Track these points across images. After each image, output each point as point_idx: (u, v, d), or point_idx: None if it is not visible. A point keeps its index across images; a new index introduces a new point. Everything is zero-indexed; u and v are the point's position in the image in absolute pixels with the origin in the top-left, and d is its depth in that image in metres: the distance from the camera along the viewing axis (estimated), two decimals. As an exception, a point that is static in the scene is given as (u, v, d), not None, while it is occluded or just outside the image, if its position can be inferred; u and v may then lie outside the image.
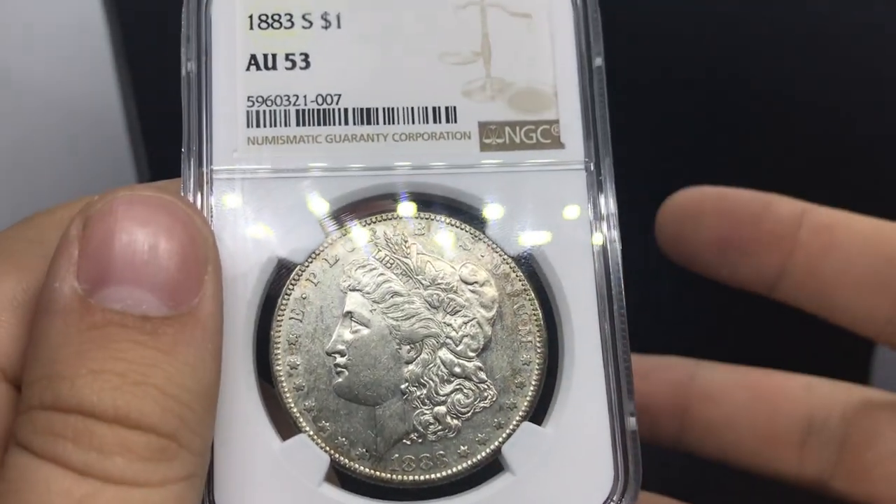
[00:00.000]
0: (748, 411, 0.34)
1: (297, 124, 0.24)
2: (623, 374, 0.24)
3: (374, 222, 0.24)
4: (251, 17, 0.25)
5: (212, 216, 0.23)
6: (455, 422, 0.23)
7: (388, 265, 0.24)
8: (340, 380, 0.23)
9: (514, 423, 0.24)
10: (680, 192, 0.33)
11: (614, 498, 0.23)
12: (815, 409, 0.33)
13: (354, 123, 0.24)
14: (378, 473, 0.23)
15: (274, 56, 0.25)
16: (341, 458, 0.23)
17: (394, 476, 0.23)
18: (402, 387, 0.23)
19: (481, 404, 0.24)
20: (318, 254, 0.24)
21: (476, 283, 0.24)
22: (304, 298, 0.24)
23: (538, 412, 0.24)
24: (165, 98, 0.40)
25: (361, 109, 0.25)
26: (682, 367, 0.35)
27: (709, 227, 0.32)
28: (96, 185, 0.48)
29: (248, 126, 0.24)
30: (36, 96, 0.49)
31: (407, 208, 0.25)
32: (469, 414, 0.24)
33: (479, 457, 0.23)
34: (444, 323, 0.24)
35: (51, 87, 0.49)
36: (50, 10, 0.48)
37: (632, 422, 0.23)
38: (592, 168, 0.25)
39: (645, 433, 0.34)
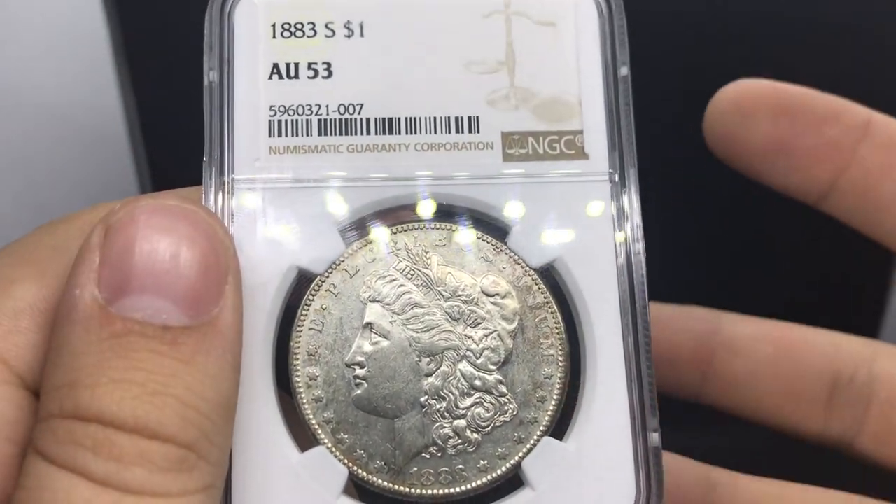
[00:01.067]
0: (773, 366, 0.33)
1: (319, 134, 0.25)
2: (646, 389, 0.24)
3: (395, 233, 0.25)
4: (274, 25, 0.25)
5: (232, 225, 0.24)
6: (475, 436, 0.24)
7: (409, 276, 0.24)
8: (359, 392, 0.24)
9: (535, 437, 0.24)
10: (734, 84, 0.31)
11: (636, 515, 0.23)
12: (842, 365, 0.32)
13: (376, 133, 0.25)
14: (396, 487, 0.23)
15: (296, 65, 0.25)
16: (360, 471, 0.23)
17: (412, 490, 0.23)
18: (422, 399, 0.24)
19: (502, 418, 0.24)
20: (339, 264, 0.24)
21: (497, 294, 0.24)
22: (323, 309, 0.24)
23: (559, 427, 0.24)
24: (166, 97, 0.41)
25: (383, 119, 0.25)
26: (705, 317, 0.34)
27: (763, 127, 0.30)
28: (95, 184, 0.49)
29: (269, 135, 0.24)
30: (35, 99, 0.49)
31: (428, 219, 0.25)
32: (489, 428, 0.24)
33: (498, 472, 0.24)
34: (465, 335, 0.24)
35: (50, 90, 0.49)
36: (50, 12, 0.49)
37: (654, 437, 0.23)
38: (617, 179, 0.25)
39: (666, 384, 0.33)
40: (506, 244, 0.25)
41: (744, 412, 0.34)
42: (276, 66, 0.25)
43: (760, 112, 0.30)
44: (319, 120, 0.25)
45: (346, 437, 0.23)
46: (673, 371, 0.34)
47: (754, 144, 0.30)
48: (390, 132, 0.25)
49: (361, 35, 0.25)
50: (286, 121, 0.25)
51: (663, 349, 0.34)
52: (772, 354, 0.33)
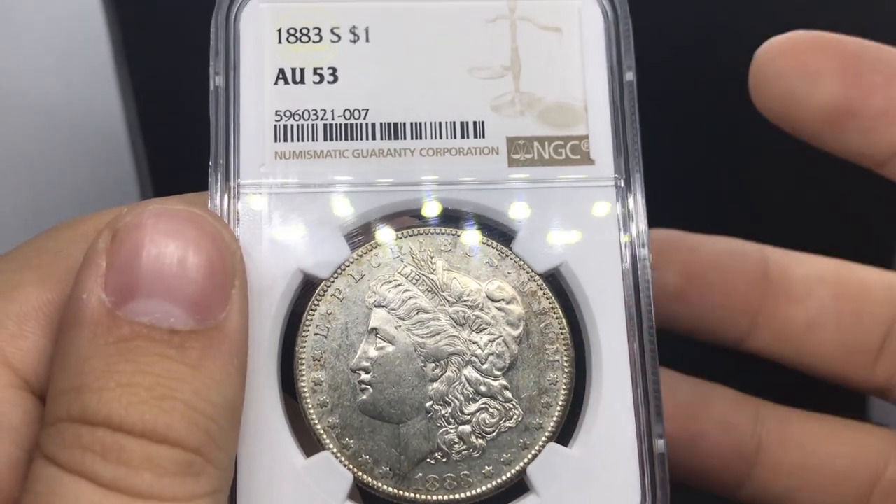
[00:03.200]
0: (833, 312, 0.31)
1: (325, 139, 0.25)
2: (652, 395, 0.24)
3: (401, 238, 0.25)
4: (280, 31, 0.26)
5: (238, 230, 0.24)
6: (480, 441, 0.24)
7: (414, 281, 0.25)
8: (365, 397, 0.24)
9: (540, 443, 0.24)
10: (787, 36, 0.27)
11: (641, 522, 0.24)
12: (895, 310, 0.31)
13: (382, 138, 0.25)
14: (401, 493, 0.24)
15: (302, 70, 0.25)
16: (365, 477, 0.24)
17: (417, 496, 0.24)
18: (427, 405, 0.24)
19: (507, 424, 0.24)
20: (344, 269, 0.25)
21: (503, 300, 0.25)
22: (329, 314, 0.24)
23: (565, 433, 0.24)
24: (166, 99, 0.41)
25: (389, 124, 0.25)
26: (753, 253, 0.32)
27: (827, 87, 0.27)
28: (96, 185, 0.49)
29: (275, 140, 0.25)
30: (36, 102, 0.50)
31: (434, 224, 0.25)
32: (494, 434, 0.24)
33: (503, 477, 0.24)
34: (470, 341, 0.24)
35: (50, 90, 0.50)
36: (50, 14, 0.49)
37: (660, 444, 0.24)
38: (622, 184, 0.25)
39: (709, 330, 0.32)
40: (511, 249, 0.25)
41: (791, 360, 0.32)
42: (281, 70, 0.25)
43: (824, 69, 0.27)
44: (325, 125, 0.25)
45: (351, 442, 0.24)
46: (720, 316, 0.32)
47: (816, 106, 0.27)
48: (395, 137, 0.25)
49: (367, 40, 0.26)
50: (292, 126, 0.25)
51: (713, 291, 0.32)
52: (830, 299, 0.32)
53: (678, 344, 0.33)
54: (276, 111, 0.25)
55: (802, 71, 0.27)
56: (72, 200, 0.49)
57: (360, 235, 0.25)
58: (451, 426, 0.24)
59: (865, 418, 0.45)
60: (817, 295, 0.32)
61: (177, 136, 0.42)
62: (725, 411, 0.32)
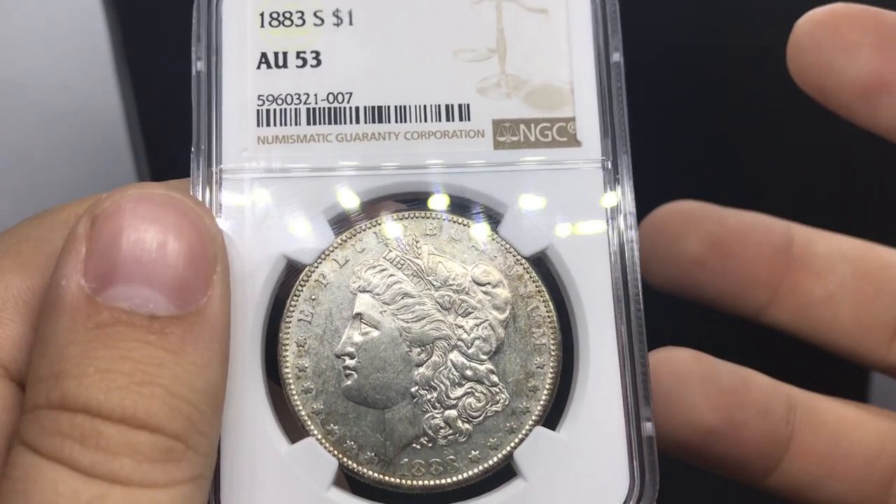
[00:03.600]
0: (851, 289, 0.32)
1: (308, 123, 0.25)
2: (640, 378, 0.24)
3: (385, 222, 0.25)
4: (262, 14, 0.25)
5: (220, 215, 0.24)
6: (466, 426, 0.24)
7: (399, 266, 0.25)
8: (349, 382, 0.24)
9: (527, 427, 0.24)
10: (826, 9, 0.27)
11: (629, 505, 0.23)
12: None
13: (366, 122, 0.25)
14: (387, 478, 0.24)
15: (285, 54, 0.25)
16: (350, 463, 0.24)
17: (403, 481, 0.24)
18: (413, 390, 0.24)
19: (493, 408, 0.24)
20: (328, 254, 0.25)
21: (489, 284, 0.25)
22: (313, 300, 0.24)
23: (552, 417, 0.24)
24: (165, 97, 0.41)
25: (373, 108, 0.25)
26: (778, 228, 0.33)
27: (864, 61, 0.27)
28: (95, 183, 0.49)
29: (258, 125, 0.25)
30: (35, 96, 0.50)
31: (419, 208, 0.25)
32: (481, 418, 0.24)
33: (490, 462, 0.24)
34: (456, 325, 0.24)
35: (50, 87, 0.50)
36: (50, 12, 0.49)
37: (648, 427, 0.24)
38: (609, 166, 0.25)
39: (729, 300, 0.32)
40: (497, 233, 0.25)
41: (808, 335, 0.32)
42: (264, 55, 0.25)
43: (862, 42, 0.27)
44: (308, 109, 0.25)
45: (335, 428, 0.24)
46: (741, 287, 0.32)
47: (852, 79, 0.27)
48: (380, 121, 0.25)
49: (350, 23, 0.26)
50: (274, 110, 0.25)
51: (736, 261, 0.32)
52: (850, 276, 0.32)
53: (683, 326, 0.33)
54: (259, 96, 0.25)
55: (839, 43, 0.27)
56: (71, 198, 0.49)
57: (345, 220, 0.25)
58: (436, 411, 0.24)
59: (866, 399, 0.45)
60: (838, 271, 0.32)
61: (176, 134, 0.41)
62: (764, 398, 0.31)
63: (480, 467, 0.24)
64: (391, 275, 0.25)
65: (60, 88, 0.49)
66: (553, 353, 0.24)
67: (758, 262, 0.32)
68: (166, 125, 0.42)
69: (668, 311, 0.31)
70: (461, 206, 0.25)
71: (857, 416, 0.31)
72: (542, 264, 0.25)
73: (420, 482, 0.24)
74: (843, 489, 0.31)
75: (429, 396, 0.24)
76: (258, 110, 0.25)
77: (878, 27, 0.27)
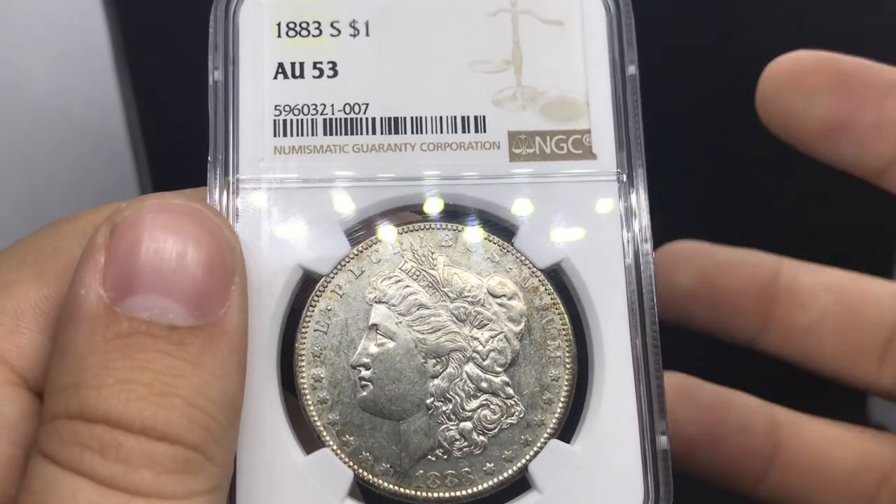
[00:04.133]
0: (834, 318, 0.34)
1: (325, 134, 0.25)
2: (655, 391, 0.24)
3: (401, 233, 0.25)
4: (279, 24, 0.25)
5: (237, 225, 0.24)
6: (481, 438, 0.24)
7: (415, 277, 0.25)
8: (365, 393, 0.24)
9: (542, 440, 0.24)
10: (788, 56, 0.30)
11: (644, 519, 0.23)
12: None
13: (382, 133, 0.25)
14: (402, 490, 0.24)
15: (301, 64, 0.25)
16: (365, 474, 0.24)
17: (418, 493, 0.24)
18: (428, 401, 0.24)
19: (508, 421, 0.24)
20: (344, 265, 0.25)
21: (504, 296, 0.25)
22: (329, 310, 0.24)
23: (567, 430, 0.24)
24: (166, 98, 0.41)
25: (389, 119, 0.25)
26: (767, 263, 0.35)
27: (821, 104, 0.29)
28: (95, 185, 0.49)
29: (274, 135, 0.25)
30: (35, 98, 0.50)
31: (434, 219, 0.25)
32: (496, 430, 0.24)
33: (505, 474, 0.24)
34: (471, 337, 0.24)
35: (50, 89, 0.50)
36: (50, 12, 0.49)
37: (663, 440, 0.24)
38: (625, 179, 0.25)
39: (723, 330, 0.35)
40: (512, 245, 0.25)
41: (798, 361, 0.35)
42: (281, 65, 0.25)
43: (819, 86, 0.29)
44: (325, 119, 0.25)
45: (351, 439, 0.24)
46: (731, 317, 0.35)
47: (812, 120, 0.29)
48: (396, 132, 0.25)
49: (367, 34, 0.26)
50: (291, 120, 0.25)
51: (724, 294, 0.35)
52: (833, 305, 0.34)
53: (697, 344, 0.35)
54: (276, 106, 0.25)
55: (800, 88, 0.29)
56: (71, 200, 0.49)
57: (361, 231, 0.25)
58: (452, 423, 0.24)
59: (866, 417, 0.45)
60: (821, 301, 0.34)
61: (176, 135, 0.42)
62: (744, 416, 0.34)
63: (495, 480, 0.24)
64: (407, 286, 0.25)
65: (60, 90, 0.50)
66: (568, 366, 0.25)
67: (746, 294, 0.35)
68: (167, 127, 0.42)
69: (680, 330, 0.32)
70: (477, 218, 0.25)
71: (839, 435, 0.34)
72: (557, 276, 0.25)
73: (435, 494, 0.24)
74: (829, 501, 0.34)
75: (444, 408, 0.24)
76: (275, 120, 0.25)
77: (835, 72, 0.29)
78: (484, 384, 0.24)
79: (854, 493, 0.33)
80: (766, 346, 0.35)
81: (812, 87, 0.29)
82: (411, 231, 0.25)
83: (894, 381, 0.33)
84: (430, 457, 0.24)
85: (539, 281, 0.25)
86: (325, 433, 0.24)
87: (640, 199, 0.25)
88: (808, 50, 0.29)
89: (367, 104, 0.25)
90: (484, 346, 0.24)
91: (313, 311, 0.24)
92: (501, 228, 0.25)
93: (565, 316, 0.25)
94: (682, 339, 0.29)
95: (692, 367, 0.35)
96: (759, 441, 0.34)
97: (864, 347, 0.34)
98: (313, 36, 0.26)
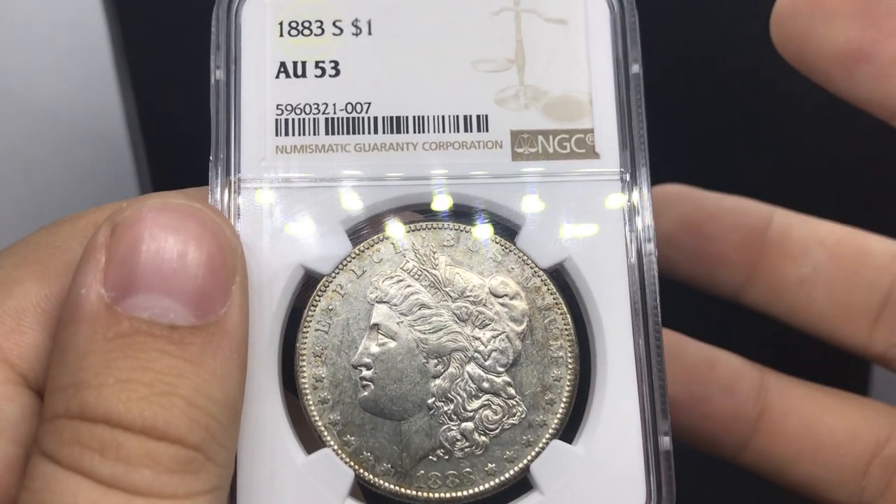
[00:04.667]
0: (826, 274, 0.32)
1: (327, 133, 0.25)
2: (657, 392, 0.24)
3: (403, 233, 0.25)
4: (281, 24, 0.26)
5: (239, 224, 0.24)
6: (483, 438, 0.24)
7: (417, 277, 0.25)
8: (366, 393, 0.24)
9: (544, 440, 0.24)
10: None
11: (647, 520, 0.23)
12: None
13: (384, 132, 0.25)
14: (403, 490, 0.24)
15: (304, 63, 0.25)
16: (366, 474, 0.24)
17: (419, 493, 0.24)
18: (429, 401, 0.24)
19: (510, 421, 0.24)
20: (346, 264, 0.25)
21: (506, 295, 0.25)
22: (330, 310, 0.24)
23: (569, 430, 0.24)
24: (166, 98, 0.41)
25: (391, 118, 0.25)
26: (758, 211, 0.33)
27: (843, 29, 0.27)
28: (95, 185, 0.50)
29: (276, 134, 0.25)
30: (36, 101, 0.50)
31: (436, 219, 0.25)
32: (497, 431, 0.24)
33: (506, 475, 0.24)
34: (473, 336, 0.24)
35: (51, 92, 0.50)
36: (50, 12, 0.49)
37: (665, 441, 0.24)
38: (628, 178, 0.25)
39: (705, 281, 0.33)
40: (515, 244, 0.25)
41: (785, 317, 0.33)
42: (283, 64, 0.25)
43: (840, 9, 0.27)
44: (327, 119, 0.25)
45: (352, 439, 0.24)
46: (715, 266, 0.33)
47: (830, 47, 0.27)
48: (398, 131, 0.25)
49: (369, 33, 0.26)
50: (293, 120, 0.25)
51: (709, 241, 0.33)
52: (827, 260, 0.32)
53: (690, 301, 0.34)
54: (278, 105, 0.25)
55: (818, 11, 0.27)
56: (71, 200, 0.50)
57: (362, 230, 0.25)
58: (453, 423, 0.24)
59: (868, 388, 0.45)
60: (813, 255, 0.33)
61: (176, 135, 0.42)
62: (730, 377, 0.33)
63: (497, 480, 0.24)
64: (408, 285, 0.25)
65: (60, 91, 0.50)
66: (570, 366, 0.25)
67: (731, 243, 0.33)
68: (167, 127, 0.42)
69: (682, 298, 0.32)
70: (479, 218, 0.25)
71: (831, 402, 0.32)
72: (559, 276, 0.25)
73: (436, 494, 0.24)
74: (816, 472, 0.32)
75: (445, 408, 0.24)
76: (276, 120, 0.25)
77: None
78: (486, 384, 0.24)
79: (843, 464, 0.32)
80: (752, 299, 0.34)
81: (832, 10, 0.27)
82: (413, 230, 0.25)
83: (887, 344, 0.32)
84: (431, 457, 0.24)
85: (541, 281, 0.25)
86: (325, 433, 0.24)
87: (642, 199, 0.25)
88: None
89: (370, 103, 0.25)
90: (486, 346, 0.24)
91: (314, 310, 0.24)
92: (504, 228, 0.25)
93: (567, 316, 0.25)
94: (670, 294, 0.28)
95: (680, 324, 0.33)
96: (746, 404, 0.32)
97: (856, 307, 0.32)
98: (315, 35, 0.26)
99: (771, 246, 0.33)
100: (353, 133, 0.25)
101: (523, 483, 0.24)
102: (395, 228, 0.25)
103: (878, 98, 0.27)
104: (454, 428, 0.24)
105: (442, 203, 0.25)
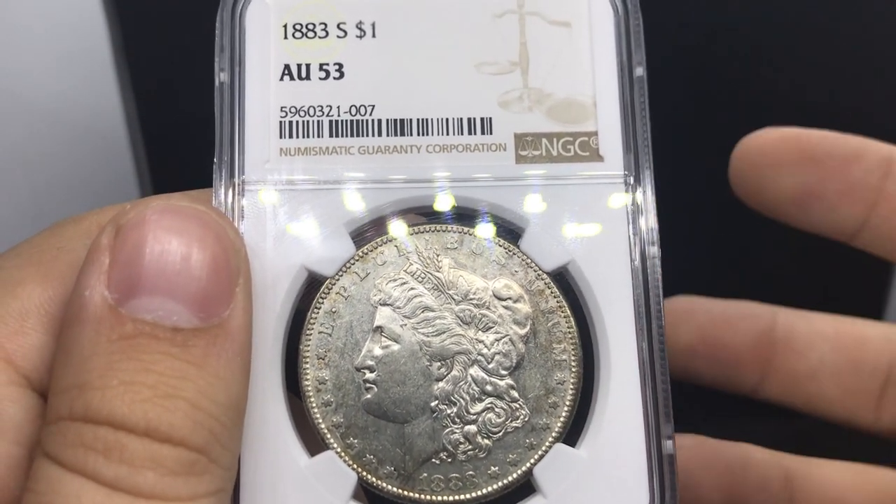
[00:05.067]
0: (831, 363, 0.35)
1: (330, 135, 0.25)
2: (661, 395, 0.24)
3: (407, 235, 0.25)
4: (285, 26, 0.26)
5: (242, 227, 0.24)
6: (486, 441, 0.24)
7: (420, 279, 0.25)
8: (369, 396, 0.24)
9: (547, 444, 0.24)
10: (757, 134, 0.32)
11: (649, 524, 0.24)
12: (895, 359, 0.35)
13: (388, 135, 0.25)
14: (406, 493, 0.24)
15: (308, 66, 0.25)
16: (369, 477, 0.24)
17: (422, 496, 0.24)
18: (432, 404, 0.24)
19: (513, 424, 0.24)
20: (349, 267, 0.25)
21: (509, 298, 0.25)
22: (333, 312, 0.25)
23: (572, 433, 0.24)
24: (166, 99, 0.42)
25: (395, 120, 0.25)
26: (763, 314, 0.36)
27: (790, 175, 0.32)
28: (95, 185, 0.50)
29: (280, 137, 0.25)
30: (36, 102, 0.50)
31: (440, 221, 0.25)
32: (500, 434, 0.24)
33: (510, 478, 0.24)
34: (476, 339, 0.24)
35: (51, 93, 0.50)
36: (50, 12, 0.49)
37: (669, 445, 0.24)
38: (632, 181, 0.25)
39: (724, 381, 0.36)
40: (518, 247, 0.25)
41: (800, 407, 0.36)
42: (287, 66, 0.25)
43: (786, 161, 0.32)
44: (330, 121, 0.25)
45: (355, 441, 0.24)
46: (733, 370, 0.36)
47: (783, 192, 0.32)
48: (402, 133, 0.25)
49: (373, 35, 0.26)
50: (297, 122, 0.25)
51: (724, 348, 0.36)
52: (829, 351, 0.35)
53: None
54: (282, 107, 0.25)
55: (767, 164, 0.32)
56: (72, 200, 0.50)
57: (366, 233, 0.25)
58: (456, 426, 0.24)
59: None
60: (818, 348, 0.36)
61: (177, 135, 0.42)
62: (762, 474, 0.35)
63: (500, 483, 0.24)
64: (412, 288, 0.25)
65: (61, 91, 0.50)
66: (574, 370, 0.25)
67: (745, 347, 0.36)
68: (167, 127, 0.42)
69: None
70: (483, 221, 0.25)
71: (853, 480, 0.35)
72: (563, 279, 0.25)
73: (439, 497, 0.24)
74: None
75: (448, 411, 0.24)
76: (281, 122, 0.25)
77: (799, 145, 0.32)
78: (489, 387, 0.24)
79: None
80: (768, 394, 0.36)
81: (779, 160, 0.32)
82: (417, 233, 0.25)
83: (893, 420, 0.35)
84: (434, 460, 0.24)
85: (545, 284, 0.25)
86: (329, 435, 0.24)
87: (646, 202, 0.25)
88: (775, 127, 0.32)
89: (374, 106, 0.25)
90: (489, 349, 0.24)
91: (318, 312, 0.25)
92: (508, 231, 0.25)
93: (571, 319, 0.25)
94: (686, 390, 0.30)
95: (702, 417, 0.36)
96: (777, 497, 0.35)
97: (862, 390, 0.35)
98: (319, 37, 0.26)
99: (780, 345, 0.36)
100: (357, 135, 0.25)
101: (526, 486, 0.24)
102: (398, 231, 0.25)
103: (834, 226, 0.32)
104: (457, 431, 0.24)
105: (445, 205, 0.25)
